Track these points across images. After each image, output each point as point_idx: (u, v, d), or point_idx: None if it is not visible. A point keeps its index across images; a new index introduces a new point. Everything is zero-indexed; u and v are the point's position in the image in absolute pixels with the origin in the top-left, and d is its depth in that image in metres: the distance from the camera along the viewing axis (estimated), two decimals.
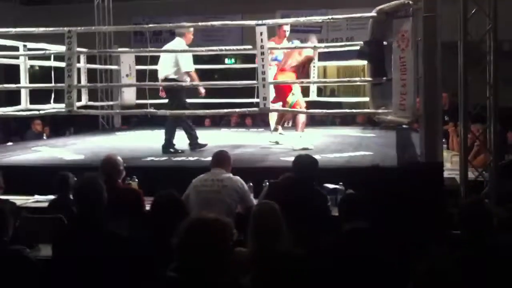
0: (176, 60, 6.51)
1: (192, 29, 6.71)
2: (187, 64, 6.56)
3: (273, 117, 7.41)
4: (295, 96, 6.57)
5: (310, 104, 8.21)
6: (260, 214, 3.00)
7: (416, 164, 5.26)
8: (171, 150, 6.52)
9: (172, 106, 6.59)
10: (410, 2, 5.18)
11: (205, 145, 6.68)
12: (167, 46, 6.89)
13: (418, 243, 3.55)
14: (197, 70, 9.97)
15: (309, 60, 6.73)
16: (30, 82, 7.46)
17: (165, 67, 6.64)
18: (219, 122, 10.84)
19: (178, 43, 6.70)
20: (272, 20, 6.15)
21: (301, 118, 6.67)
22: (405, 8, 5.23)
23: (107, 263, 2.92)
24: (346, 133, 8.52)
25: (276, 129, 7.14)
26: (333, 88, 13.34)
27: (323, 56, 9.18)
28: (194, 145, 6.66)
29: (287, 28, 6.58)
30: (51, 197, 4.77)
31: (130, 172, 5.00)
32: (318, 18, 6.44)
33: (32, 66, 8.62)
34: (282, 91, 6.54)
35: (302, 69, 6.69)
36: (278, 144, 6.96)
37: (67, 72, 6.06)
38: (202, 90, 6.78)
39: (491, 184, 5.01)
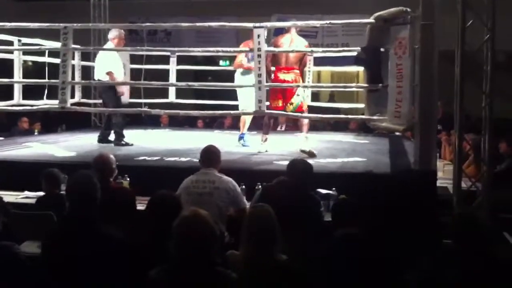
0: (103, 63, 7.05)
1: (122, 35, 7.13)
2: (108, 65, 7.02)
3: (246, 121, 7.28)
4: (300, 97, 6.43)
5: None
6: (255, 217, 2.97)
7: (410, 171, 5.26)
8: (123, 142, 7.18)
9: (109, 106, 7.09)
10: (409, 9, 5.19)
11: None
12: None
13: (409, 251, 3.55)
14: (190, 71, 10.10)
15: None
16: (24, 77, 7.40)
17: (97, 71, 7.17)
18: (212, 124, 10.80)
19: (108, 46, 7.24)
20: (269, 23, 6.13)
21: (306, 119, 6.55)
22: (403, 15, 5.23)
23: (98, 262, 2.87)
24: (339, 139, 8.50)
25: (265, 140, 6.78)
26: (333, 93, 13.25)
27: (318, 61, 9.17)
28: (102, 139, 7.34)
29: None
30: (41, 193, 4.72)
31: (122, 171, 4.96)
32: (315, 23, 6.42)
33: (25, 62, 8.56)
34: (287, 91, 6.37)
35: (301, 63, 6.58)
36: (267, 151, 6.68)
37: (61, 68, 6.02)
38: (120, 90, 7.18)
39: (484, 194, 5.01)
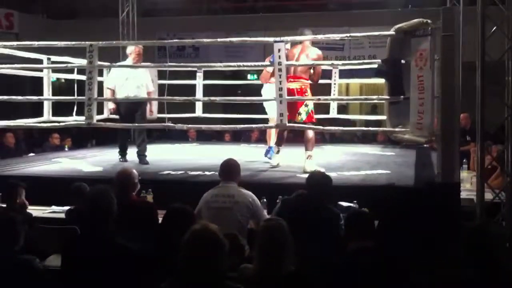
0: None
1: (138, 49, 7.13)
2: (107, 81, 7.28)
3: (272, 133, 7.18)
4: (308, 108, 6.30)
5: (330, 121, 8.21)
6: (266, 231, 2.98)
7: (432, 184, 5.20)
8: (120, 159, 7.32)
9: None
10: (429, 21, 5.16)
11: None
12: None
13: (429, 263, 3.51)
14: (220, 85, 10.20)
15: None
16: (56, 94, 7.59)
17: None
18: (239, 137, 10.87)
19: (126, 63, 7.32)
20: (290, 37, 6.12)
21: (310, 134, 6.32)
22: (423, 27, 5.20)
23: (113, 275, 2.94)
24: (365, 151, 8.47)
25: (278, 151, 6.67)
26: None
27: (345, 74, 9.17)
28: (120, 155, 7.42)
29: None
30: (67, 208, 4.83)
31: (146, 185, 5.04)
32: (336, 36, 6.40)
33: (58, 79, 8.79)
34: (294, 102, 6.20)
35: (314, 73, 6.40)
36: (279, 166, 6.56)
37: (87, 86, 6.14)
38: (110, 106, 7.45)
39: (507, 206, 4.93)
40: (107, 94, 7.22)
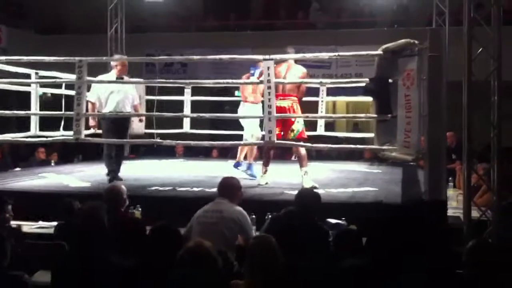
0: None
1: (124, 60, 7.00)
2: (90, 94, 6.82)
3: (244, 151, 7.23)
4: (300, 124, 6.40)
5: (317, 138, 8.26)
6: (255, 248, 3.00)
7: (419, 201, 5.25)
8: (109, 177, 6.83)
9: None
10: (416, 42, 5.24)
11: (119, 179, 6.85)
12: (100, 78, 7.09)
13: (419, 281, 3.53)
14: (207, 101, 10.23)
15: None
16: (43, 109, 7.56)
17: None
18: (226, 153, 10.87)
19: (110, 75, 7.05)
20: (279, 55, 6.18)
21: (302, 151, 6.44)
22: (411, 47, 5.28)
23: None
24: (352, 168, 8.52)
25: (265, 171, 6.67)
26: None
27: (332, 91, 9.25)
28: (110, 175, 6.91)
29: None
30: (55, 223, 4.79)
31: (134, 201, 5.03)
32: (324, 55, 6.47)
33: (45, 93, 8.76)
34: (286, 120, 6.32)
35: (299, 91, 6.50)
36: (268, 184, 6.56)
37: (76, 101, 6.14)
38: (92, 123, 7.00)
39: (494, 223, 4.99)
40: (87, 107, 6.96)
